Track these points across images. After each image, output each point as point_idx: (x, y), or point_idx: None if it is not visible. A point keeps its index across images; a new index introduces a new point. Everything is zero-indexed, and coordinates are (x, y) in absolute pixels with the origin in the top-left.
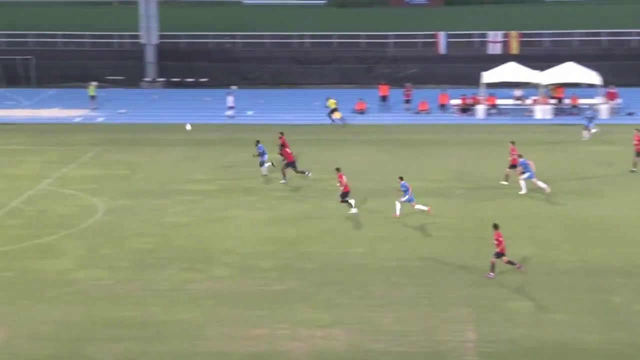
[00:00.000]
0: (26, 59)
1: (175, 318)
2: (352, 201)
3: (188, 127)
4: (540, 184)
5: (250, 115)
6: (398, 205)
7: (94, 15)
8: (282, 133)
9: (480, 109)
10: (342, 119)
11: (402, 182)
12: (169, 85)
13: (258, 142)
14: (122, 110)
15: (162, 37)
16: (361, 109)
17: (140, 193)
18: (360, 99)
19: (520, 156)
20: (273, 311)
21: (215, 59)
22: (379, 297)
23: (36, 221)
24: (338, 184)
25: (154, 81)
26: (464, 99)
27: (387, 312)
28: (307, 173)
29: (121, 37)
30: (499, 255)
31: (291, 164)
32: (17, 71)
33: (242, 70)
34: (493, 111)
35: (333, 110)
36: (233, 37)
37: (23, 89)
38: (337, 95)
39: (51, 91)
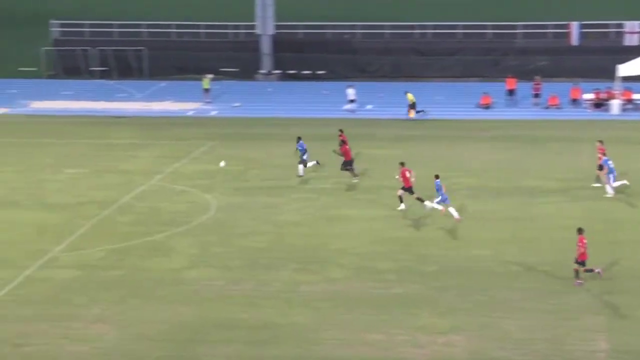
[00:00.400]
0: (139, 50)
1: (289, 321)
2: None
3: (222, 164)
4: (616, 183)
5: (369, 109)
6: (435, 206)
7: (209, 5)
8: (341, 130)
9: (615, 104)
10: (416, 115)
11: (437, 180)
12: (285, 77)
13: (299, 138)
14: (236, 104)
15: (278, 27)
16: (486, 104)
17: (253, 190)
18: (485, 93)
19: (604, 154)
20: (390, 315)
21: (332, 51)
22: (502, 303)
23: (147, 218)
24: (398, 178)
25: (269, 73)
26: (597, 94)
27: (511, 318)
28: (355, 179)
29: (236, 27)
30: (579, 262)
31: (349, 162)
32: (129, 62)
33: (361, 62)
34: (629, 106)
35: (412, 105)
36: (352, 27)
37: (135, 81)
38: (459, 89)
39: (163, 83)
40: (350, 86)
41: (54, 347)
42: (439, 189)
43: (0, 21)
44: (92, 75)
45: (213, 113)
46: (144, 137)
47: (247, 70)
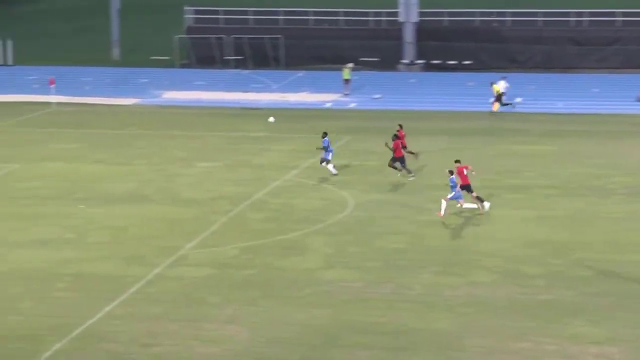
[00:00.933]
0: (275, 39)
1: (429, 326)
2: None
3: (271, 119)
4: None
5: (519, 103)
6: (444, 204)
7: None
8: (401, 125)
9: None
10: (501, 108)
11: (452, 177)
12: (429, 68)
13: (325, 134)
14: (377, 96)
15: (422, 14)
16: None
17: (393, 186)
18: None
19: None
20: (538, 323)
21: (480, 39)
22: None
23: (281, 215)
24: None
25: (412, 63)
26: None
27: None
28: (410, 176)
29: (377, 14)
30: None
31: (397, 159)
32: (265, 51)
33: (510, 51)
34: None
35: (499, 97)
36: (501, 14)
37: (271, 71)
38: (617, 81)
39: (300, 73)
40: (503, 77)
41: (184, 348)
42: (453, 186)
43: (134, 8)
44: (226, 64)
45: (352, 105)
46: (279, 130)
47: (388, 60)
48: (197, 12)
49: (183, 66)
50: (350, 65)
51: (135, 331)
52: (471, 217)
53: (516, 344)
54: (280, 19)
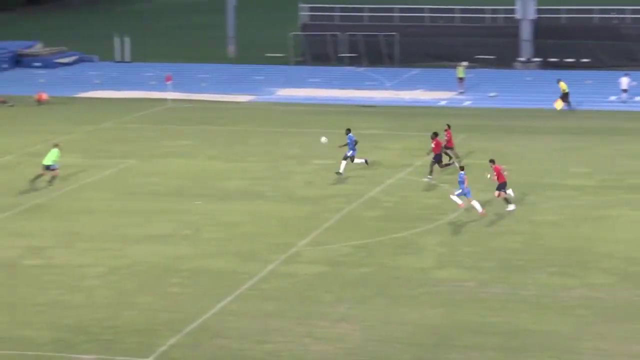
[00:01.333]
0: (390, 36)
1: (544, 328)
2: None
3: (323, 139)
4: None
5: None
6: (454, 199)
7: None
8: (449, 125)
9: None
10: (563, 109)
11: (461, 172)
12: (546, 65)
13: (349, 131)
14: (492, 94)
15: (540, 11)
16: None
17: (509, 186)
18: None
19: None
20: None
21: (599, 37)
22: None
23: (395, 213)
24: (489, 176)
25: (528, 61)
26: None
27: None
28: (453, 163)
29: (494, 11)
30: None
31: (438, 156)
32: (379, 49)
33: (630, 49)
34: None
35: (565, 96)
36: (621, 12)
37: (385, 68)
38: None
39: (414, 71)
40: (625, 75)
41: (296, 346)
42: (461, 182)
43: (250, 5)
44: (340, 61)
45: (467, 103)
46: (392, 128)
47: (504, 57)
48: (312, 9)
49: (298, 63)
50: (465, 63)
51: (248, 327)
52: (588, 218)
53: (636, 348)
54: (396, 16)
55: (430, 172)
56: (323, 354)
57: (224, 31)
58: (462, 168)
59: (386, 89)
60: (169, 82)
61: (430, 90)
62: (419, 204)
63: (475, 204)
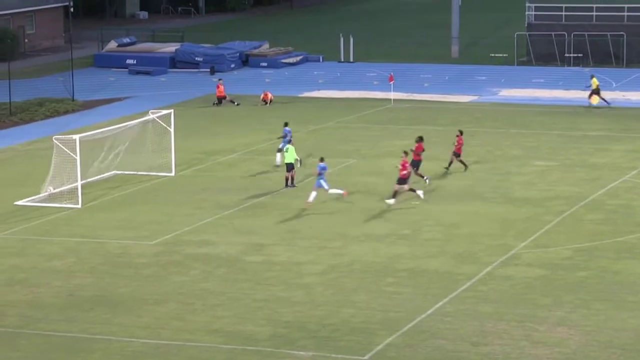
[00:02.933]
0: (618, 36)
1: None
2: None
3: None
4: None
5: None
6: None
7: None
8: (461, 131)
9: None
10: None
11: (320, 163)
12: None
13: (286, 124)
14: None
15: None
16: None
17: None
18: None
19: None
20: None
21: None
22: None
23: (618, 217)
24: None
25: None
26: None
27: None
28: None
29: None
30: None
31: (415, 162)
32: (606, 49)
33: None
34: None
35: (595, 92)
36: None
37: (611, 69)
38: None
39: None
40: None
41: (513, 349)
42: (321, 172)
43: (476, 5)
44: (565, 62)
45: None
46: (618, 130)
47: None
48: (538, 8)
49: (521, 63)
50: None
51: (465, 329)
52: None
53: None
54: (625, 15)
55: (421, 176)
56: (540, 358)
57: (449, 31)
58: (322, 159)
59: (612, 89)
60: (391, 82)
61: None
62: None
63: (312, 196)
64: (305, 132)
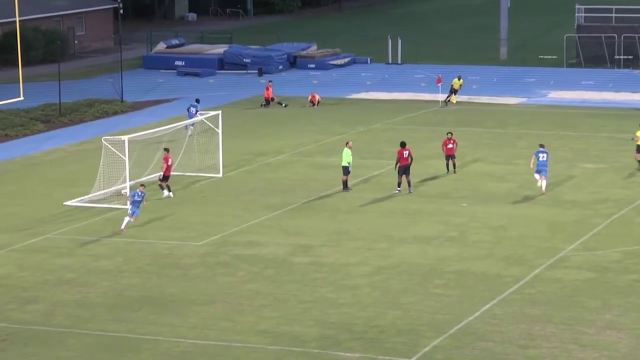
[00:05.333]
0: None
1: None
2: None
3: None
4: None
5: None
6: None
7: None
8: (451, 132)
9: None
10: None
11: (136, 191)
12: None
13: (197, 101)
14: None
15: None
16: None
17: None
18: None
19: None
20: None
21: None
22: None
23: None
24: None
25: None
26: None
27: None
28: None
29: None
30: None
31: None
32: None
33: None
34: None
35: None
36: None
37: None
38: None
39: None
40: None
41: (561, 352)
42: (136, 202)
43: (525, 7)
44: (615, 64)
45: None
46: None
47: None
48: (587, 10)
49: (570, 65)
50: None
51: (512, 332)
52: None
53: None
54: None
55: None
56: None
57: (497, 33)
58: (142, 185)
59: None
60: (439, 84)
61: None
62: None
63: (126, 220)
64: (354, 134)
